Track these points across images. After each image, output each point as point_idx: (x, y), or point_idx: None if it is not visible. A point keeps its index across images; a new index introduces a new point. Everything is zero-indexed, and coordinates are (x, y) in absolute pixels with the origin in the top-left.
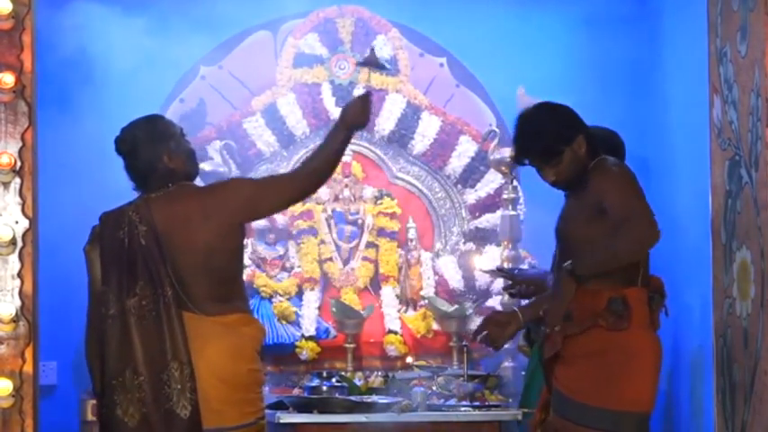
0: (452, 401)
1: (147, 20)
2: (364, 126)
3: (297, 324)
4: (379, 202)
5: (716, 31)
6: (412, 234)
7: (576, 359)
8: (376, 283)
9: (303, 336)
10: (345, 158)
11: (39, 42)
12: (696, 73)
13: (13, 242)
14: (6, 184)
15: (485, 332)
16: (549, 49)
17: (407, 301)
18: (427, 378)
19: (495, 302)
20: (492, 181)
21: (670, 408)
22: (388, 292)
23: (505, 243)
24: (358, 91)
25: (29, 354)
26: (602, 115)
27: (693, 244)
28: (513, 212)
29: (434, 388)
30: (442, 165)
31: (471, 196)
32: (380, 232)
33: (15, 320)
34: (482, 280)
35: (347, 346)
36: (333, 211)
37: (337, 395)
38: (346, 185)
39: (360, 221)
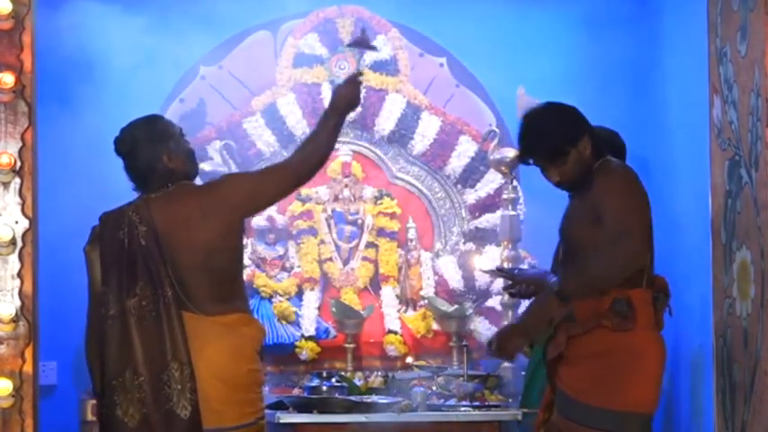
0: (452, 401)
1: (146, 20)
2: (355, 108)
3: (297, 324)
4: (378, 202)
5: (716, 30)
6: (412, 234)
7: (580, 360)
8: (376, 283)
9: (303, 336)
10: (345, 158)
11: (39, 42)
12: (696, 73)
13: (12, 242)
14: (6, 184)
15: (495, 343)
16: (549, 49)
17: (407, 301)
18: (427, 378)
19: (494, 302)
20: (492, 181)
21: (670, 408)
22: (388, 292)
23: (505, 243)
24: None
25: (29, 354)
26: (602, 115)
27: (693, 244)
28: (512, 212)
29: (434, 388)
30: (442, 165)
31: (471, 196)
32: (380, 232)
33: (15, 320)
34: (482, 280)
35: (347, 346)
36: (333, 211)
37: (337, 395)
38: (346, 185)
39: (360, 221)
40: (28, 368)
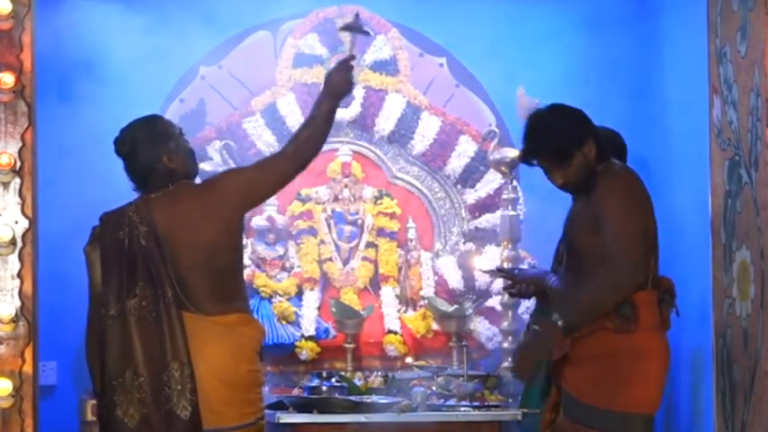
0: (452, 401)
1: (146, 20)
2: (349, 92)
3: (297, 324)
4: (378, 202)
5: (716, 31)
6: (412, 234)
7: (584, 361)
8: (376, 283)
9: (303, 336)
10: (345, 158)
11: (39, 42)
12: (696, 73)
13: (12, 242)
14: (6, 184)
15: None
16: (549, 49)
17: (407, 301)
18: (427, 378)
19: (494, 302)
20: (492, 181)
21: (670, 408)
22: (388, 293)
23: (505, 243)
24: (358, 91)
25: (28, 354)
26: (601, 115)
27: (693, 244)
28: (512, 212)
29: (434, 388)
30: (442, 165)
31: (471, 196)
32: (380, 232)
33: (15, 320)
34: (482, 280)
35: (347, 346)
36: (332, 211)
37: (337, 395)
38: (346, 185)
39: (359, 221)
40: (28, 368)
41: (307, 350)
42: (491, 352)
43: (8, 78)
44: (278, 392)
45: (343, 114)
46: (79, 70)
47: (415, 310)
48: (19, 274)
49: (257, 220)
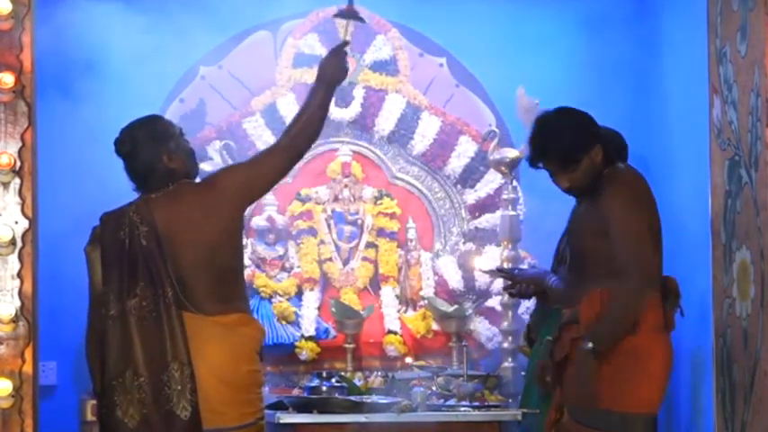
0: (452, 401)
1: (146, 20)
2: (343, 79)
3: (296, 324)
4: (378, 202)
5: (716, 31)
6: (412, 234)
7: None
8: (376, 283)
9: (303, 336)
10: (345, 158)
11: (39, 41)
12: (696, 73)
13: (12, 242)
14: (6, 184)
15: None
16: (549, 49)
17: (407, 301)
18: (427, 378)
19: (494, 302)
20: (492, 181)
21: (670, 408)
22: (388, 293)
23: (505, 243)
24: (358, 91)
25: (28, 354)
26: (601, 115)
27: (693, 244)
28: (512, 212)
29: (434, 388)
30: (442, 165)
31: (471, 196)
32: (380, 232)
33: (15, 320)
34: (482, 280)
35: (347, 346)
36: (332, 211)
37: (337, 395)
38: (346, 185)
39: (359, 222)
40: (28, 368)
41: (307, 350)
42: (491, 352)
43: (8, 78)
44: (278, 392)
45: (343, 114)
46: (79, 70)
47: (415, 310)
48: (19, 274)
49: (257, 220)
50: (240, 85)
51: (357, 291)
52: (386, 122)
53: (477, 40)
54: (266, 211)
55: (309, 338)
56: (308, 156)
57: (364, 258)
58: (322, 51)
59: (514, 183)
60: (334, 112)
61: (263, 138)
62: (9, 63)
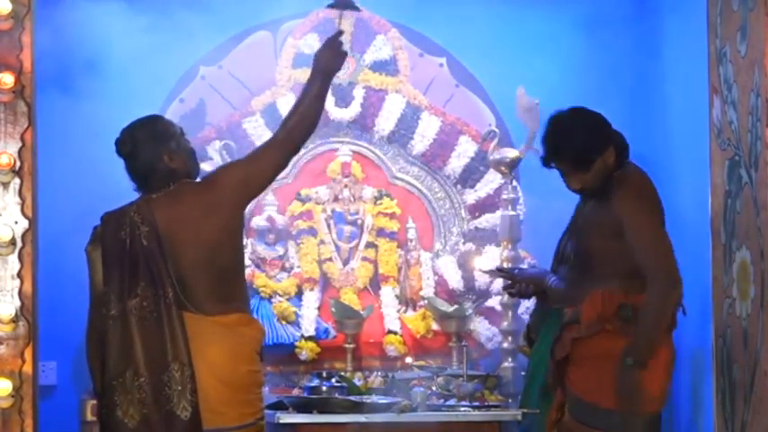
0: (452, 401)
1: (146, 20)
2: (338, 70)
3: (296, 324)
4: (378, 202)
5: (716, 31)
6: (411, 234)
7: (585, 361)
8: (375, 283)
9: (303, 336)
10: (345, 158)
11: (39, 41)
12: (696, 73)
13: (12, 242)
14: (6, 184)
15: None
16: (549, 50)
17: (407, 301)
18: (427, 378)
19: (494, 302)
20: (491, 181)
21: (670, 408)
22: (388, 293)
23: (505, 243)
24: (358, 91)
25: (28, 354)
26: None
27: (693, 244)
28: (512, 212)
29: (434, 388)
30: (442, 165)
31: (471, 196)
32: (380, 232)
33: (15, 320)
34: (482, 280)
35: (347, 346)
36: (332, 211)
37: (337, 395)
38: (346, 185)
39: (359, 222)
40: (28, 368)
41: (307, 350)
42: (491, 352)
43: (8, 78)
44: (278, 392)
45: (343, 114)
46: (79, 70)
47: (414, 310)
48: (19, 274)
49: (257, 220)
50: (240, 85)
51: (357, 291)
52: (386, 122)
53: (477, 40)
54: (266, 211)
55: (309, 338)
56: (308, 156)
57: (364, 258)
58: None
59: (514, 183)
60: (334, 112)
61: (263, 138)
62: (9, 63)
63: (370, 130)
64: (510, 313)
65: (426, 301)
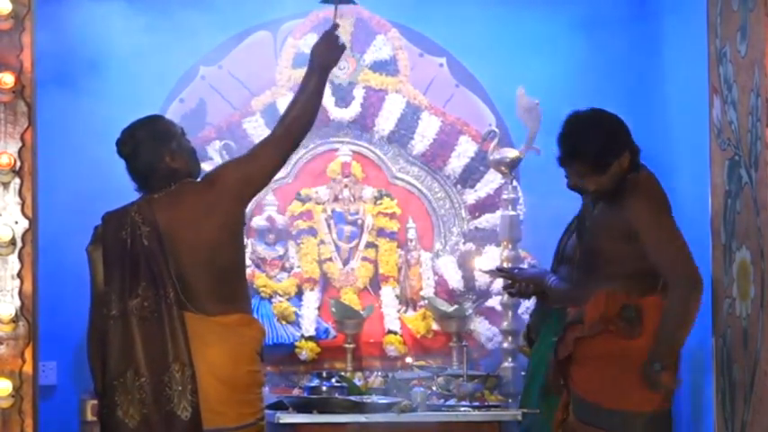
0: (452, 401)
1: (146, 20)
2: (335, 63)
3: (296, 324)
4: (378, 202)
5: (715, 31)
6: (412, 234)
7: (587, 360)
8: (376, 283)
9: (303, 336)
10: (345, 158)
11: (39, 41)
12: (696, 73)
13: (12, 242)
14: (6, 184)
15: None
16: (549, 50)
17: (407, 301)
18: (427, 378)
19: (494, 302)
20: (492, 181)
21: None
22: (388, 293)
23: (505, 243)
24: (358, 91)
25: (28, 354)
26: None
27: (693, 244)
28: (512, 212)
29: (434, 388)
30: (442, 165)
31: (471, 196)
32: (380, 232)
33: (15, 320)
34: (482, 280)
35: (347, 346)
36: (332, 211)
37: (337, 395)
38: (346, 185)
39: (359, 222)
40: (28, 368)
41: (307, 350)
42: (491, 352)
43: (8, 78)
44: (278, 392)
45: (343, 114)
46: (79, 70)
47: (415, 310)
48: (19, 274)
49: (257, 220)
50: (240, 85)
51: (357, 291)
52: (386, 122)
53: (477, 40)
54: (266, 211)
55: (309, 338)
56: (308, 156)
57: (364, 258)
58: None
59: (514, 183)
60: (334, 112)
61: (263, 138)
62: (9, 63)
63: (371, 130)
64: (510, 313)
65: (426, 301)
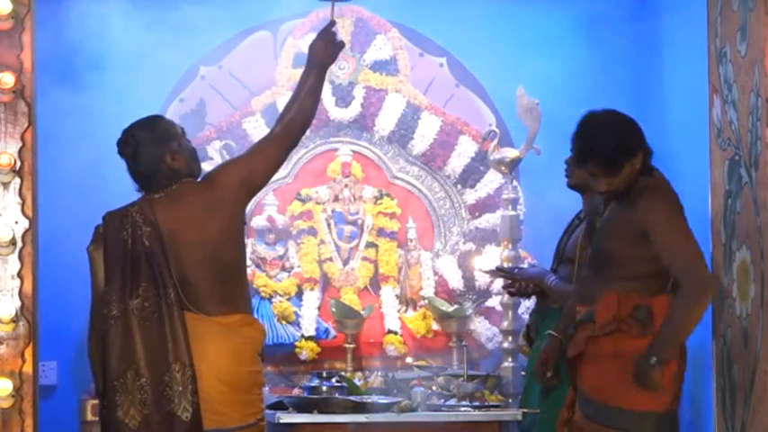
0: (452, 401)
1: (146, 20)
2: (333, 61)
3: (297, 324)
4: (378, 202)
5: (716, 30)
6: (412, 234)
7: (598, 359)
8: (376, 283)
9: (303, 336)
10: (345, 158)
11: (39, 41)
12: (696, 73)
13: (12, 242)
14: (6, 184)
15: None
16: (549, 50)
17: (407, 301)
18: (427, 378)
19: (494, 302)
20: (492, 181)
21: None
22: (388, 293)
23: (505, 243)
24: (358, 91)
25: (29, 354)
26: None
27: None
28: (513, 212)
29: (434, 388)
30: (442, 165)
31: (471, 196)
32: (380, 232)
33: (15, 320)
34: (482, 280)
35: (347, 346)
36: (332, 211)
37: (337, 395)
38: (346, 185)
39: (359, 221)
40: (28, 368)
41: (307, 350)
42: (491, 352)
43: (8, 78)
44: (278, 392)
45: (343, 114)
46: (79, 70)
47: (415, 310)
48: (19, 274)
49: (257, 220)
50: (240, 85)
51: (357, 291)
52: (386, 122)
53: (477, 40)
54: (266, 210)
55: (309, 338)
56: (308, 156)
57: (364, 258)
58: None
59: (514, 182)
60: (335, 112)
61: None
62: (9, 63)
63: (371, 130)
64: (510, 313)
65: (426, 301)
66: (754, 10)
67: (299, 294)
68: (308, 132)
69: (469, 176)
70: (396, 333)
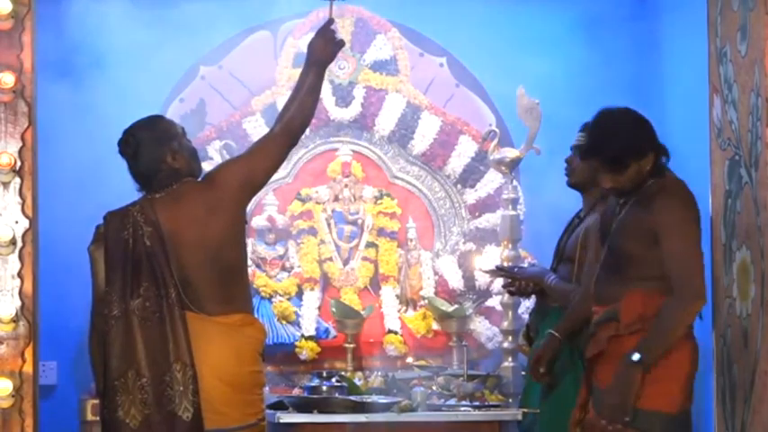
0: (452, 401)
1: (146, 20)
2: (332, 59)
3: (297, 324)
4: (378, 202)
5: (716, 30)
6: (412, 234)
7: (617, 359)
8: (376, 283)
9: (303, 336)
10: (345, 158)
11: (39, 41)
12: (696, 73)
13: (13, 242)
14: (6, 184)
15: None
16: (549, 50)
17: (407, 301)
18: (427, 378)
19: (495, 302)
20: (492, 181)
21: None
22: (388, 292)
23: (505, 243)
24: (358, 91)
25: (29, 354)
26: None
27: None
28: (513, 212)
29: (434, 388)
30: (442, 165)
31: (471, 196)
32: (380, 232)
33: (15, 320)
34: (482, 280)
35: (347, 346)
36: (333, 211)
37: (337, 395)
38: (346, 185)
39: (360, 221)
40: (28, 368)
41: (307, 350)
42: (491, 352)
43: (8, 78)
44: (278, 392)
45: (343, 114)
46: (79, 70)
47: (415, 310)
48: (19, 274)
49: (257, 220)
50: (240, 85)
51: (357, 290)
52: (386, 122)
53: (478, 40)
54: (266, 210)
55: (309, 338)
56: (308, 156)
57: (364, 258)
58: None
59: (514, 182)
60: (335, 111)
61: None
62: (9, 63)
63: (371, 130)
64: (510, 313)
65: (426, 301)
66: (754, 10)
67: (300, 294)
68: (307, 132)
69: (469, 176)
70: (396, 333)
